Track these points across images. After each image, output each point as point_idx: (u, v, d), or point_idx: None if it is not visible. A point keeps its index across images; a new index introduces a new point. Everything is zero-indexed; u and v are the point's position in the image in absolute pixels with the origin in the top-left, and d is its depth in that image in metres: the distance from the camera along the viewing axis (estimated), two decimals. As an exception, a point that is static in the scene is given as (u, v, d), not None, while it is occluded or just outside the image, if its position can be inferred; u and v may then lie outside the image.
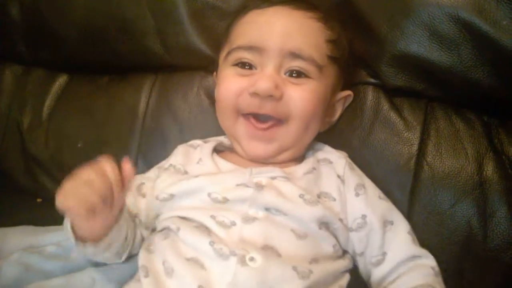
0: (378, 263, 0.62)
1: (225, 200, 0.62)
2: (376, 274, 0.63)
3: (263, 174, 0.64)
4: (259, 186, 0.62)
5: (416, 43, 0.69)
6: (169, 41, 0.85)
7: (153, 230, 0.68)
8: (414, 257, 0.62)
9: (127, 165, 0.55)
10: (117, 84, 0.93)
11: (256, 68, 0.66)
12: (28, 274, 0.68)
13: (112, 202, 0.54)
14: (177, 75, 0.88)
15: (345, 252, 0.64)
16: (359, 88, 0.76)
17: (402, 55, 0.70)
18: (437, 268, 0.62)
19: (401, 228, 0.64)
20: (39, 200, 0.96)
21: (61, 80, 0.99)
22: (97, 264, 0.69)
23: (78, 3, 0.91)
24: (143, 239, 0.66)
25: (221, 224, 0.59)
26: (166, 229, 0.63)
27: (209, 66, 0.84)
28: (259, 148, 0.66)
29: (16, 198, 0.95)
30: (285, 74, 0.65)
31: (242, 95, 0.65)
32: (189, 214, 0.62)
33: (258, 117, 0.66)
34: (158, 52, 0.87)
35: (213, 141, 0.74)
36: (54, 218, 0.82)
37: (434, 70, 0.69)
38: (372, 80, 0.76)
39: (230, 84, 0.67)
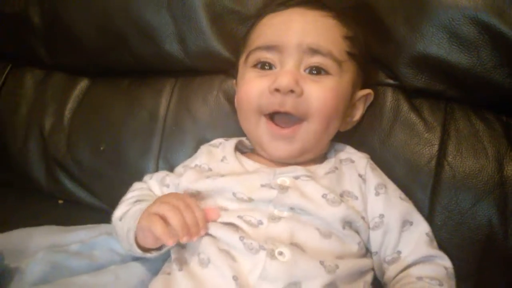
0: (393, 261, 0.63)
1: (250, 200, 0.63)
2: (390, 272, 0.63)
3: (287, 174, 0.65)
4: (283, 188, 0.63)
5: (436, 45, 0.69)
6: (189, 45, 0.86)
7: None
8: (429, 257, 0.62)
9: (216, 211, 0.61)
10: (137, 87, 0.94)
11: (276, 67, 0.67)
12: (55, 271, 0.69)
13: (194, 234, 0.58)
14: (197, 79, 0.89)
15: (368, 250, 0.65)
16: (378, 90, 0.76)
17: (421, 57, 0.71)
18: (451, 270, 0.62)
19: (419, 229, 0.64)
20: (60, 201, 0.98)
21: (82, 84, 1.01)
22: (121, 262, 0.70)
23: (98, 8, 0.92)
24: None
25: (249, 223, 0.60)
26: None
27: (229, 69, 0.85)
28: (281, 149, 0.67)
29: (39, 200, 0.96)
30: (305, 71, 0.66)
31: (263, 94, 0.66)
32: None
33: (280, 119, 0.67)
34: (178, 56, 0.88)
35: (234, 139, 0.75)
36: (76, 218, 0.85)
37: (453, 71, 0.70)
38: (391, 82, 0.77)
39: (251, 86, 0.67)
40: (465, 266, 0.65)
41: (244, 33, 0.79)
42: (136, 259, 0.70)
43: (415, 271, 0.61)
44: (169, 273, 0.61)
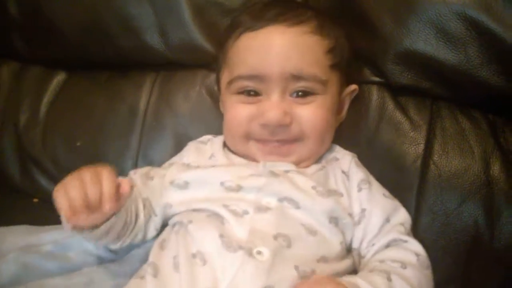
0: (367, 252, 0.62)
1: (239, 188, 0.62)
2: (363, 263, 0.62)
3: (277, 167, 0.65)
4: (274, 175, 0.63)
5: (423, 41, 0.68)
6: (170, 38, 0.84)
7: (165, 225, 0.67)
8: (397, 241, 0.61)
9: (125, 182, 0.56)
10: (117, 81, 0.92)
11: (261, 94, 0.66)
12: (26, 273, 0.68)
13: (99, 209, 0.54)
14: (179, 73, 0.87)
15: (349, 251, 0.64)
16: (363, 88, 0.75)
17: (408, 53, 0.70)
18: (423, 258, 0.60)
19: (395, 219, 0.63)
20: (35, 200, 0.95)
21: (59, 77, 0.98)
22: (96, 263, 0.68)
23: (78, -2, 0.89)
24: (148, 221, 0.66)
25: (234, 213, 0.59)
26: (178, 223, 0.63)
27: (212, 63, 0.83)
28: (276, 160, 0.66)
29: (13, 198, 0.94)
30: (291, 95, 0.65)
31: (252, 122, 0.66)
32: (202, 206, 0.62)
33: (272, 142, 0.66)
34: (159, 49, 0.85)
35: (222, 136, 0.74)
36: (51, 218, 0.82)
37: (440, 68, 0.69)
38: (377, 79, 0.75)
39: (239, 112, 0.67)
40: (451, 268, 0.65)
41: (227, 26, 0.77)
42: (112, 261, 0.68)
43: (379, 256, 0.60)
44: (142, 277, 0.59)
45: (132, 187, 0.58)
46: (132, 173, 0.74)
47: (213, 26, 0.82)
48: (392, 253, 0.60)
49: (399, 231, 0.62)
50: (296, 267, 0.55)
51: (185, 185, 0.65)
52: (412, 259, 0.59)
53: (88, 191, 0.53)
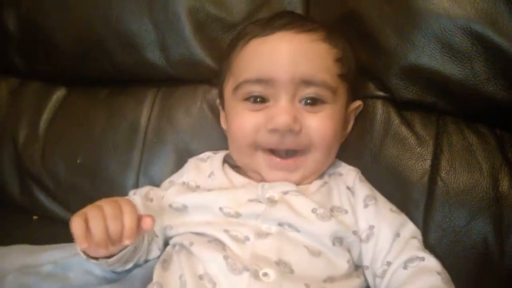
0: (384, 273, 0.60)
1: (238, 215, 0.61)
2: (383, 285, 0.60)
3: (275, 189, 0.63)
4: (272, 202, 0.61)
5: (428, 56, 0.67)
6: (171, 54, 0.83)
7: (166, 244, 0.67)
8: (415, 259, 0.59)
9: (149, 220, 0.55)
10: (117, 97, 0.91)
11: (268, 101, 0.64)
12: None
13: (120, 242, 0.54)
14: (180, 89, 0.86)
15: (358, 267, 0.63)
16: (368, 102, 0.74)
17: (413, 68, 0.69)
18: (445, 275, 0.58)
19: (406, 234, 0.62)
20: (35, 217, 0.94)
21: (59, 93, 0.97)
22: (97, 284, 0.66)
23: (77, 14, 0.88)
24: (151, 242, 0.65)
25: (235, 239, 0.59)
26: (178, 244, 0.62)
27: (213, 79, 0.82)
28: (281, 178, 0.65)
29: (12, 216, 0.92)
30: (300, 102, 0.64)
31: (259, 131, 0.64)
32: (202, 229, 0.61)
33: (279, 153, 0.65)
34: (160, 65, 0.84)
35: (222, 152, 0.73)
36: (50, 236, 0.81)
37: (446, 83, 0.68)
38: (382, 94, 0.74)
39: (245, 121, 0.65)
40: (460, 287, 0.62)
41: (228, 41, 0.76)
42: (113, 281, 0.66)
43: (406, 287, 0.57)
44: None
45: (154, 220, 0.56)
46: (131, 194, 0.73)
47: (214, 42, 0.81)
48: (418, 283, 0.56)
49: (413, 247, 0.60)
50: (307, 285, 0.55)
51: (183, 208, 0.64)
52: (437, 281, 0.57)
53: (110, 225, 0.52)
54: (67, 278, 0.70)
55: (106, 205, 0.54)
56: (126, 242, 0.53)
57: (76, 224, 0.52)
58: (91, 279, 0.68)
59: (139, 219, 0.54)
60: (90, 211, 0.53)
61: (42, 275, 0.70)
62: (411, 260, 0.59)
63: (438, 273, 0.58)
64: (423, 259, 0.59)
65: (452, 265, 0.64)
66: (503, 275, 0.65)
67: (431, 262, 0.59)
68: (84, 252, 0.58)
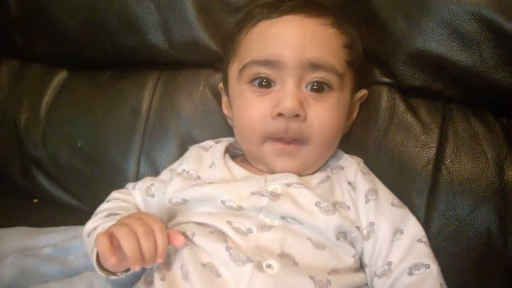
0: (384, 274, 0.59)
1: (240, 208, 0.60)
2: (380, 286, 0.59)
3: (278, 181, 0.62)
4: (275, 195, 0.60)
5: (435, 41, 0.66)
6: (174, 37, 0.82)
7: None
8: (421, 267, 0.58)
9: (181, 237, 0.55)
10: (119, 80, 0.89)
11: (275, 84, 0.63)
12: (24, 278, 0.66)
13: (153, 260, 0.53)
14: (183, 73, 0.85)
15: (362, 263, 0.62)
16: (373, 89, 0.73)
17: (419, 53, 0.68)
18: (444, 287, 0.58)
19: (410, 235, 0.60)
20: (35, 200, 0.94)
21: (60, 76, 0.96)
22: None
23: (80, -5, 0.87)
24: None
25: (238, 231, 0.58)
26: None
27: (216, 63, 0.81)
28: (286, 164, 0.64)
29: (12, 198, 0.92)
30: (306, 87, 0.62)
31: (266, 119, 0.62)
32: (205, 220, 0.60)
33: (284, 140, 0.63)
34: (162, 48, 0.83)
35: (224, 141, 0.72)
36: (50, 219, 0.81)
37: (453, 69, 0.67)
38: (387, 80, 0.73)
39: (253, 110, 0.63)
40: (462, 275, 0.62)
41: (233, 24, 0.75)
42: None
43: None
44: (151, 283, 0.57)
45: (184, 239, 0.56)
46: (130, 187, 0.72)
47: (218, 25, 0.80)
48: None
49: (419, 252, 0.59)
50: (312, 277, 0.54)
51: (183, 202, 0.63)
52: None
53: (143, 244, 0.51)
54: (67, 260, 0.70)
55: (135, 223, 0.53)
56: (159, 260, 0.53)
57: (100, 241, 0.51)
58: (91, 263, 0.68)
59: (168, 236, 0.54)
60: (118, 229, 0.53)
61: (41, 257, 0.70)
62: (416, 266, 0.58)
63: (442, 285, 0.57)
64: (428, 266, 0.58)
65: (455, 253, 0.65)
66: (506, 264, 0.64)
67: (435, 271, 0.58)
68: (102, 268, 0.58)
